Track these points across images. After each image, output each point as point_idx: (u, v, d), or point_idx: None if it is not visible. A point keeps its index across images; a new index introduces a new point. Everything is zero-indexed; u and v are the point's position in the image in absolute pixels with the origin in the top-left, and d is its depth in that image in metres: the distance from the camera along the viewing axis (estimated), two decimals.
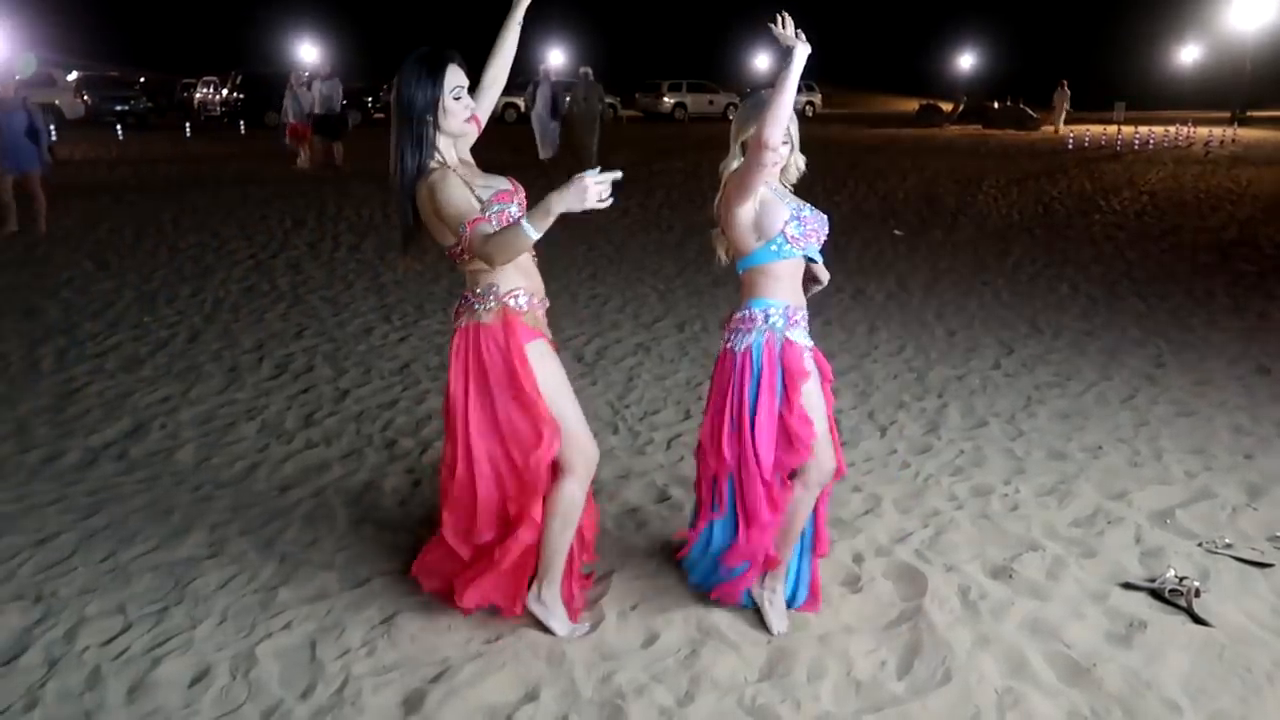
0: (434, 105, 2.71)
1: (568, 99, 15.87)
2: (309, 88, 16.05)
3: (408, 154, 2.73)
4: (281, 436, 4.63)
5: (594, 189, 2.49)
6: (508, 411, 2.82)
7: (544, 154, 16.52)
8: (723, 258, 3.07)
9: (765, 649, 2.89)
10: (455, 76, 2.73)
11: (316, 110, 16.02)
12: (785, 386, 2.89)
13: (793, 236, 2.88)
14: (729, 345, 2.96)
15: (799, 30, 2.60)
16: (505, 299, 2.82)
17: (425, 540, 3.25)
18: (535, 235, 2.56)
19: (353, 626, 2.99)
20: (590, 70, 16.35)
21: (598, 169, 2.55)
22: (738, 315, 2.97)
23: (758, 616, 3.04)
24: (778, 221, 2.87)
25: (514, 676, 2.76)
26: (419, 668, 2.80)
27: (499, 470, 2.87)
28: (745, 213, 2.87)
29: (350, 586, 3.23)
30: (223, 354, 5.93)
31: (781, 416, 2.89)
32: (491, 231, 2.65)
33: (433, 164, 2.74)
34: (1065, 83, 30.02)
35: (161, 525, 3.66)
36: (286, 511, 3.80)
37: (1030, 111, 31.79)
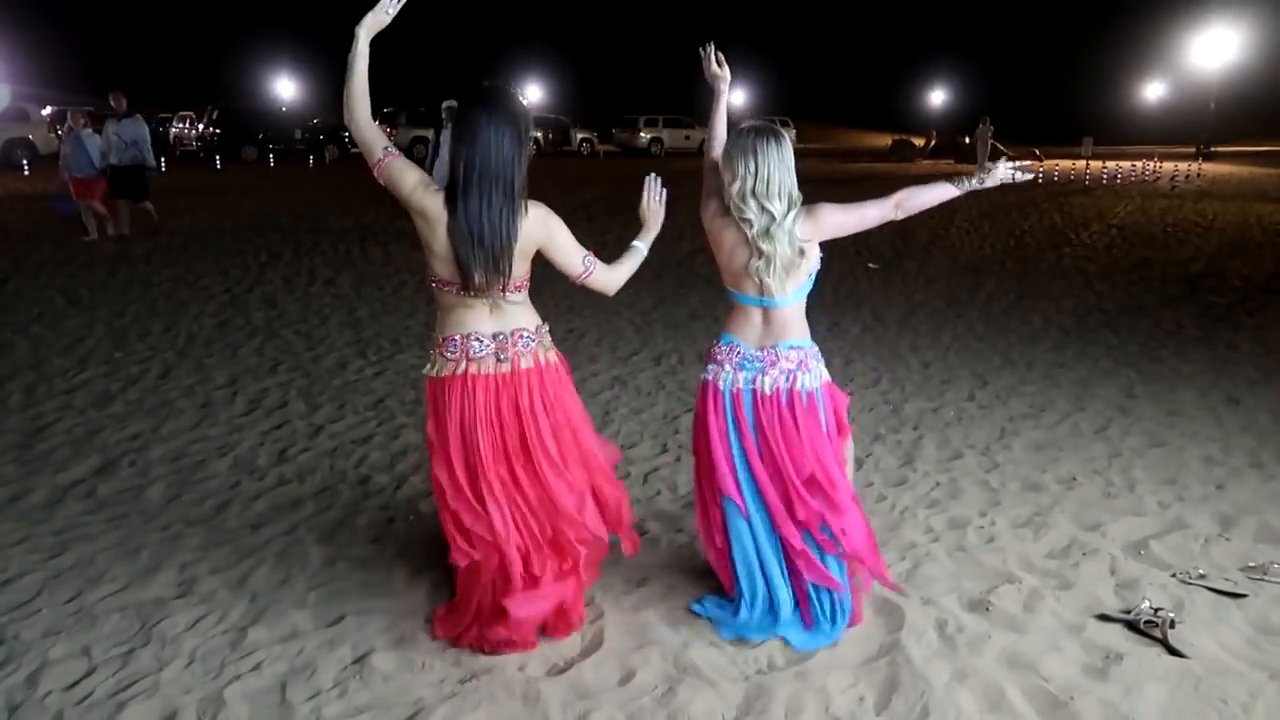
0: (524, 156, 2.83)
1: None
2: (93, 130, 11.80)
3: (503, 200, 2.78)
4: (254, 473, 4.57)
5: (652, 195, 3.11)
6: (577, 437, 3.02)
7: None
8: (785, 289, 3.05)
9: (743, 686, 2.87)
10: None
11: (114, 160, 11.56)
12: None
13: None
14: (800, 386, 3.03)
15: None
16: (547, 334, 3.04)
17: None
18: (645, 254, 3.17)
19: (324, 667, 2.94)
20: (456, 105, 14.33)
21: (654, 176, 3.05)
22: (804, 349, 3.08)
23: (735, 653, 3.02)
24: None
25: (488, 717, 2.72)
26: (391, 709, 2.75)
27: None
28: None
29: (322, 625, 3.18)
30: (195, 390, 5.87)
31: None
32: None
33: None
34: (988, 118, 27.14)
35: (130, 565, 3.60)
36: (258, 549, 3.74)
37: (1001, 147, 32.09)
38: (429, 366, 2.98)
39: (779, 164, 2.95)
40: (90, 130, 11.70)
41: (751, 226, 2.95)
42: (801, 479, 3.01)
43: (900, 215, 3.08)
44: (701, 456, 3.17)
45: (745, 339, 3.08)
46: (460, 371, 2.88)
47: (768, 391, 3.03)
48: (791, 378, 3.03)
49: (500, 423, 2.89)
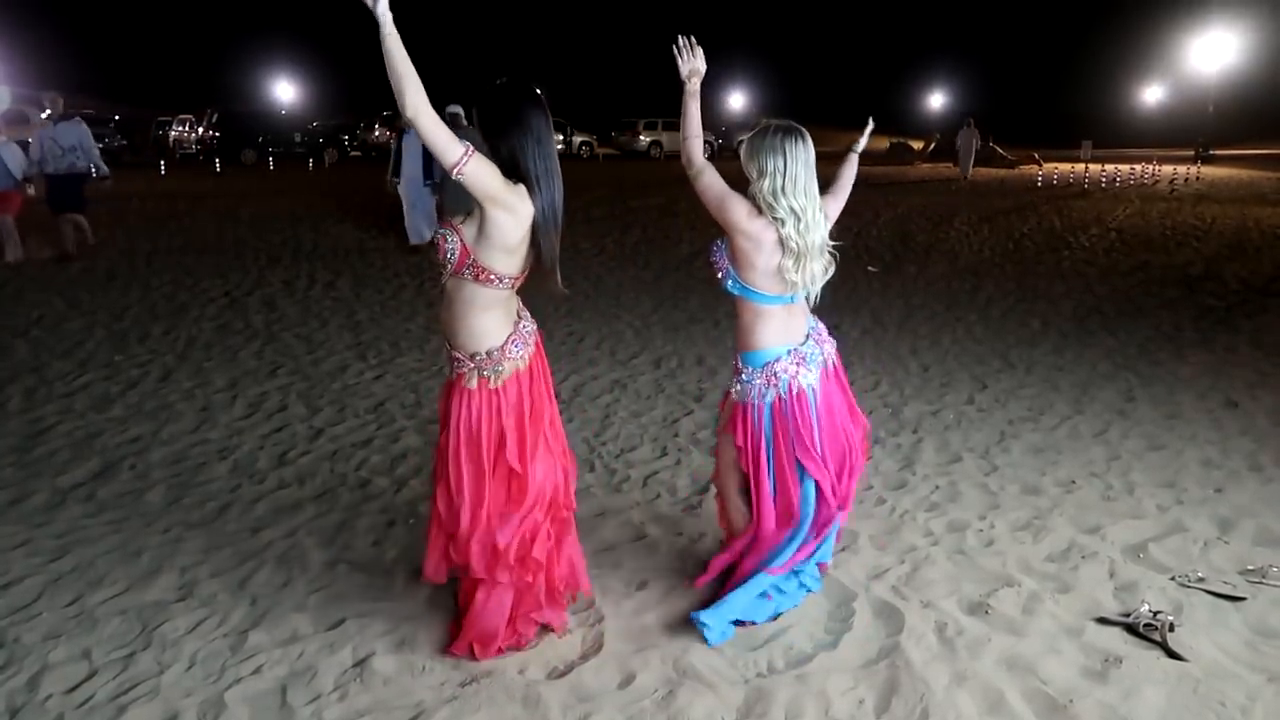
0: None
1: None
2: (9, 138, 10.17)
3: (562, 188, 2.89)
4: (254, 476, 4.57)
5: None
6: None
7: (416, 238, 11.00)
8: None
9: (742, 689, 2.87)
10: None
11: (50, 169, 10.22)
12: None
13: None
14: (833, 362, 3.27)
15: None
16: None
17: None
18: None
19: (325, 670, 2.95)
20: (461, 110, 10.55)
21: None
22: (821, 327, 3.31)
23: (735, 656, 3.03)
24: None
25: None
26: (392, 712, 2.76)
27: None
28: None
29: (323, 629, 3.18)
30: (195, 393, 5.88)
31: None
32: None
33: None
34: (972, 121, 25.44)
35: (130, 568, 3.60)
36: (258, 553, 3.75)
37: (1000, 150, 32.02)
38: (487, 378, 2.86)
39: (805, 164, 3.02)
40: (5, 139, 10.19)
41: (783, 225, 3.00)
42: (861, 432, 3.32)
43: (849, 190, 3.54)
44: (784, 457, 3.19)
45: (792, 340, 3.17)
46: (527, 362, 2.94)
47: (830, 365, 3.24)
48: (834, 344, 3.30)
49: (547, 398, 3.02)
